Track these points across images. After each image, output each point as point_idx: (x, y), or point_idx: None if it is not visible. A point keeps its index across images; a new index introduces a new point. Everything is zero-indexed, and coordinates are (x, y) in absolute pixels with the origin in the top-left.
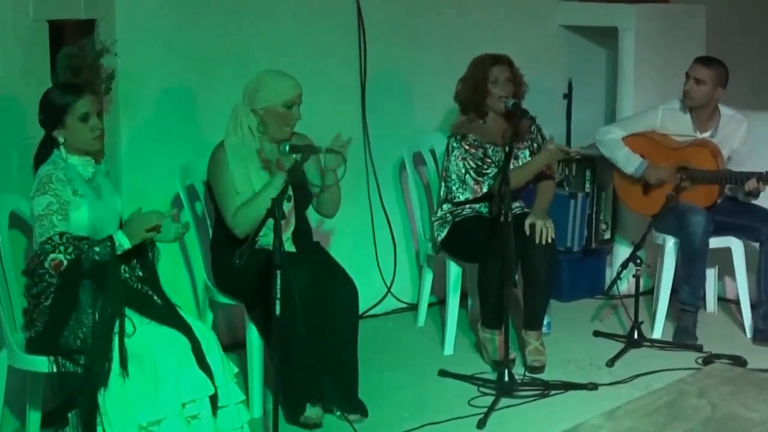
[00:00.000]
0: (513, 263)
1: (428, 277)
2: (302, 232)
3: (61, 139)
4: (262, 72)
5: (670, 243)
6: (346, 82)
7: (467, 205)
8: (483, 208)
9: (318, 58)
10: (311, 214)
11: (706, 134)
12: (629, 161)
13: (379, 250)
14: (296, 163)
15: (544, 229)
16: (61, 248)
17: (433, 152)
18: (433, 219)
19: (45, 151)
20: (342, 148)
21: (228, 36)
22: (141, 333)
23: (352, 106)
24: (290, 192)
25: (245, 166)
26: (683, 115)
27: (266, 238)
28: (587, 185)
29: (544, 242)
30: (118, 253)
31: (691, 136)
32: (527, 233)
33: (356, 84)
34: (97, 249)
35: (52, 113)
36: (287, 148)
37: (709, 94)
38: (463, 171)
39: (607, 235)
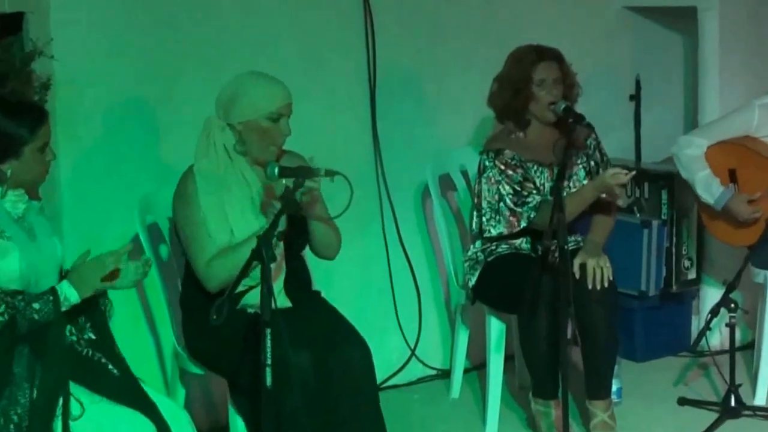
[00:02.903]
0: (566, 314)
1: (463, 335)
2: (298, 278)
3: (8, 173)
4: (241, 76)
5: None
6: (350, 86)
7: (503, 241)
8: (525, 243)
9: (313, 57)
10: (309, 254)
11: None
12: (708, 188)
13: (399, 301)
14: (288, 190)
15: (597, 270)
16: None
17: (465, 173)
18: (465, 259)
19: None
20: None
21: (197, 31)
22: (92, 414)
23: (358, 116)
24: (282, 227)
25: (220, 199)
26: None
27: (251, 296)
28: (664, 210)
29: (599, 286)
30: (64, 309)
31: None
32: (577, 276)
33: (363, 88)
34: (36, 306)
35: (3, 144)
36: (276, 170)
37: None
38: (497, 198)
39: (692, 275)
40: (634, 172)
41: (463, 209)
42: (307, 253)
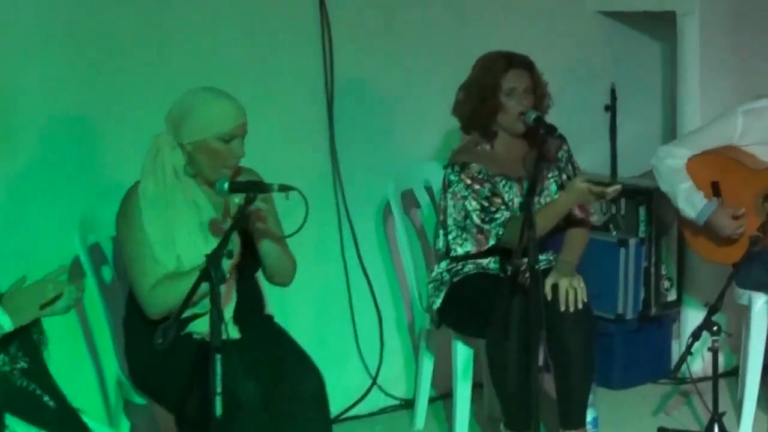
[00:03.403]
0: (538, 338)
1: (428, 362)
2: (249, 301)
3: None
4: (192, 92)
5: (760, 302)
6: (305, 101)
7: (470, 260)
8: (493, 263)
9: (267, 71)
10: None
11: None
12: (690, 201)
13: (359, 326)
14: (240, 208)
15: (571, 291)
16: None
17: (429, 189)
18: (429, 280)
19: None
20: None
21: (141, 43)
22: None
23: (315, 130)
24: (233, 245)
25: (167, 222)
26: None
27: (200, 323)
28: (642, 228)
29: (572, 308)
30: None
31: None
32: (549, 298)
33: (320, 102)
34: None
35: None
36: (225, 186)
37: None
38: (463, 214)
39: (672, 296)
40: (619, 186)
41: (428, 227)
42: (260, 276)
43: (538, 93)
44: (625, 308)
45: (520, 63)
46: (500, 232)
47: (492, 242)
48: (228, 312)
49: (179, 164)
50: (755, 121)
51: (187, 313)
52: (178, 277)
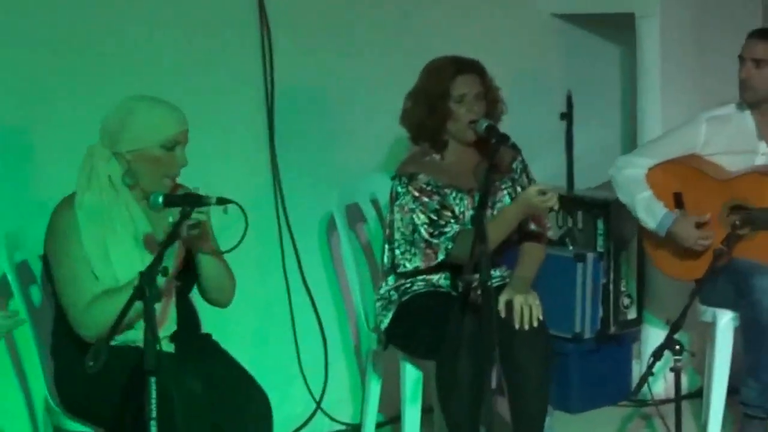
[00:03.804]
0: (491, 359)
1: (375, 385)
2: (185, 321)
3: None
4: (130, 100)
5: (725, 319)
6: (244, 108)
7: (418, 276)
8: (443, 279)
9: (202, 77)
10: (198, 297)
11: None
12: (650, 211)
13: (303, 347)
14: (175, 222)
15: (525, 308)
16: None
17: (375, 202)
18: (376, 298)
19: None
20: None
21: (71, 46)
22: None
23: (254, 141)
24: (168, 262)
25: (103, 237)
26: (740, 119)
27: (134, 332)
28: (600, 242)
29: (527, 327)
30: None
31: (751, 151)
32: (502, 315)
33: (260, 110)
34: None
35: None
36: (160, 199)
37: None
38: (411, 228)
39: (632, 314)
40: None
41: (374, 242)
42: (194, 295)
43: (490, 99)
44: (582, 327)
45: (470, 68)
46: (450, 247)
47: (441, 257)
48: (165, 333)
49: (116, 175)
50: (720, 128)
51: (121, 339)
52: (112, 294)
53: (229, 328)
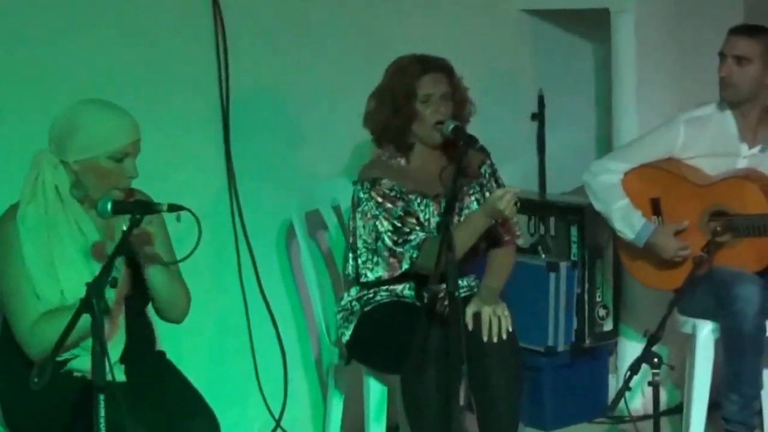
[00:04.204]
0: (459, 373)
1: (337, 402)
2: (138, 339)
3: None
4: (78, 105)
5: (705, 330)
6: (198, 111)
7: (382, 287)
8: (408, 290)
9: (153, 78)
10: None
11: (756, 149)
12: (627, 221)
13: (261, 362)
14: (124, 231)
15: (494, 320)
16: None
17: (337, 209)
18: (337, 310)
19: None
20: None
21: (18, 51)
22: None
23: (209, 145)
24: (117, 272)
25: (49, 251)
26: (720, 120)
27: (81, 361)
28: (574, 250)
29: (496, 339)
30: None
31: (733, 154)
32: (470, 328)
33: (215, 112)
34: None
35: None
36: (109, 206)
37: (758, 79)
38: (374, 236)
39: (608, 326)
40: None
41: (336, 251)
42: (150, 310)
43: (458, 99)
44: (555, 339)
45: (437, 66)
46: (414, 255)
47: (405, 266)
48: (115, 353)
49: (63, 185)
50: (699, 130)
51: (66, 355)
52: (61, 313)
53: (183, 343)
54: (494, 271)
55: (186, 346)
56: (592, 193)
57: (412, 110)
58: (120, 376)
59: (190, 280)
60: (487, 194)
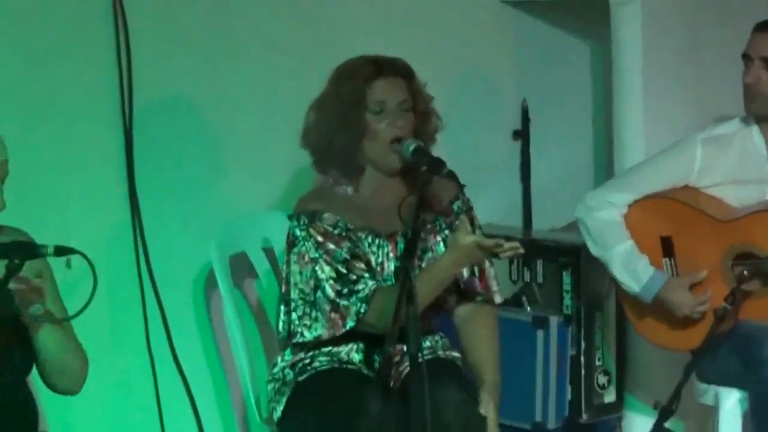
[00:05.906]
0: None
1: None
2: (13, 416)
3: None
4: None
5: (731, 401)
6: (94, 133)
7: (322, 349)
8: (355, 353)
9: (40, 94)
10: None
11: None
12: (631, 271)
13: None
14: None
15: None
16: None
17: (269, 251)
18: (268, 378)
19: None
20: None
21: None
22: None
23: (108, 174)
24: None
25: None
26: (746, 138)
27: None
28: (567, 301)
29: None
30: None
31: (761, 181)
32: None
33: (115, 135)
34: None
35: None
36: None
37: None
38: (312, 284)
39: (610, 396)
40: (518, 245)
41: (268, 304)
42: (35, 380)
43: (420, 111)
44: (545, 415)
45: (393, 69)
46: (362, 310)
47: (351, 324)
48: None
49: None
50: (720, 152)
51: None
52: None
53: (77, 422)
54: (488, 357)
55: (79, 425)
56: (587, 232)
57: (361, 123)
58: None
59: (86, 341)
60: None
